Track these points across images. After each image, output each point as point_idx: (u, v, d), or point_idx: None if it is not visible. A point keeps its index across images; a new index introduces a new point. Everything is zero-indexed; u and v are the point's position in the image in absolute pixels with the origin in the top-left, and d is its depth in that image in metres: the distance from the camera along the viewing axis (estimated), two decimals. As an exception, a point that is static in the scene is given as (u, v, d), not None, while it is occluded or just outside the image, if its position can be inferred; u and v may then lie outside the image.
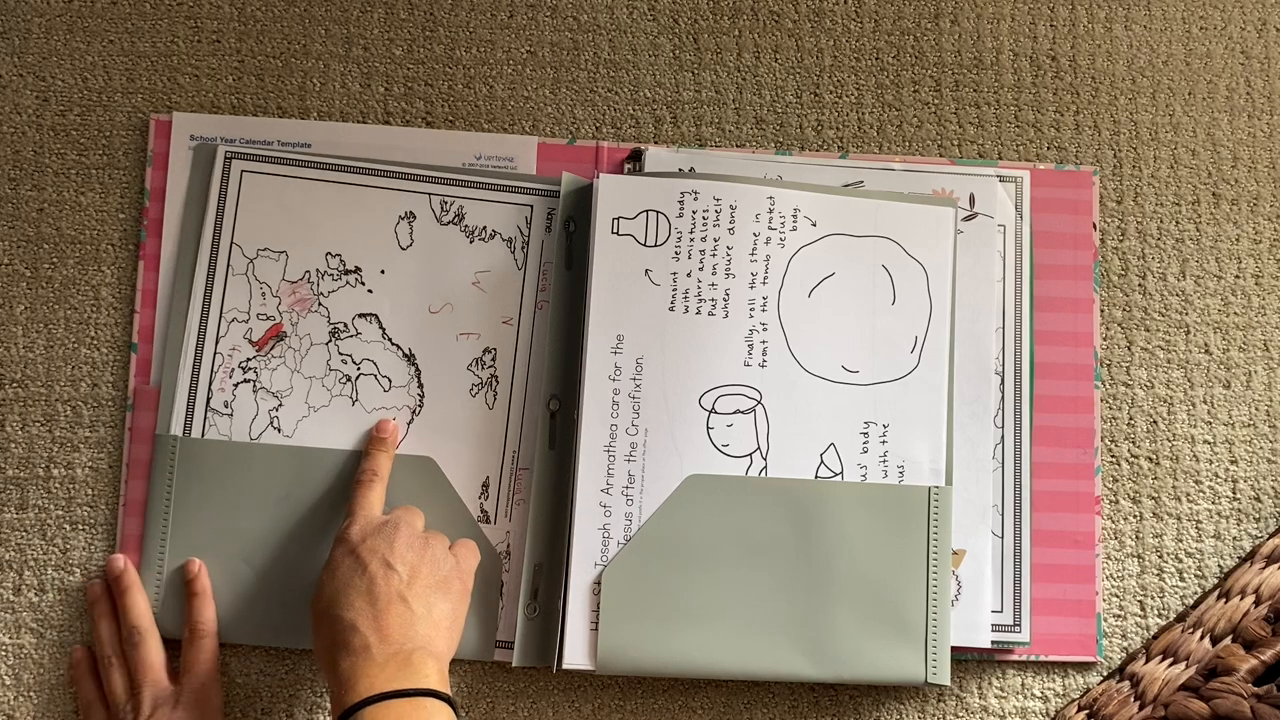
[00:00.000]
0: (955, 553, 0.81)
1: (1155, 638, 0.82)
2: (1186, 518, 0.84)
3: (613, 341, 0.80)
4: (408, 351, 0.82)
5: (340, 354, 0.82)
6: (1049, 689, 0.82)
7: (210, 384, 0.81)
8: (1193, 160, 0.87)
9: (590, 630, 0.77)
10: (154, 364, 0.82)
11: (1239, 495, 0.84)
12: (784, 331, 0.80)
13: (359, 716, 0.67)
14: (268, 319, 0.82)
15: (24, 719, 0.80)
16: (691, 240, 0.80)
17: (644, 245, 0.80)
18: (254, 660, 0.81)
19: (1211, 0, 0.89)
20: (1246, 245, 0.87)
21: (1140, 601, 0.83)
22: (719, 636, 0.77)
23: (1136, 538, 0.84)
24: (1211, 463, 0.84)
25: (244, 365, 0.82)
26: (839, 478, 0.80)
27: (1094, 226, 0.86)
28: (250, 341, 0.82)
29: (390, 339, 0.82)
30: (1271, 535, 0.83)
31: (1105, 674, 0.82)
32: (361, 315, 0.82)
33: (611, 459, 0.79)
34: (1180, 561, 0.84)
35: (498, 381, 0.82)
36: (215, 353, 0.82)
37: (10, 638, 0.80)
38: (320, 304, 0.82)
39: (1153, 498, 0.84)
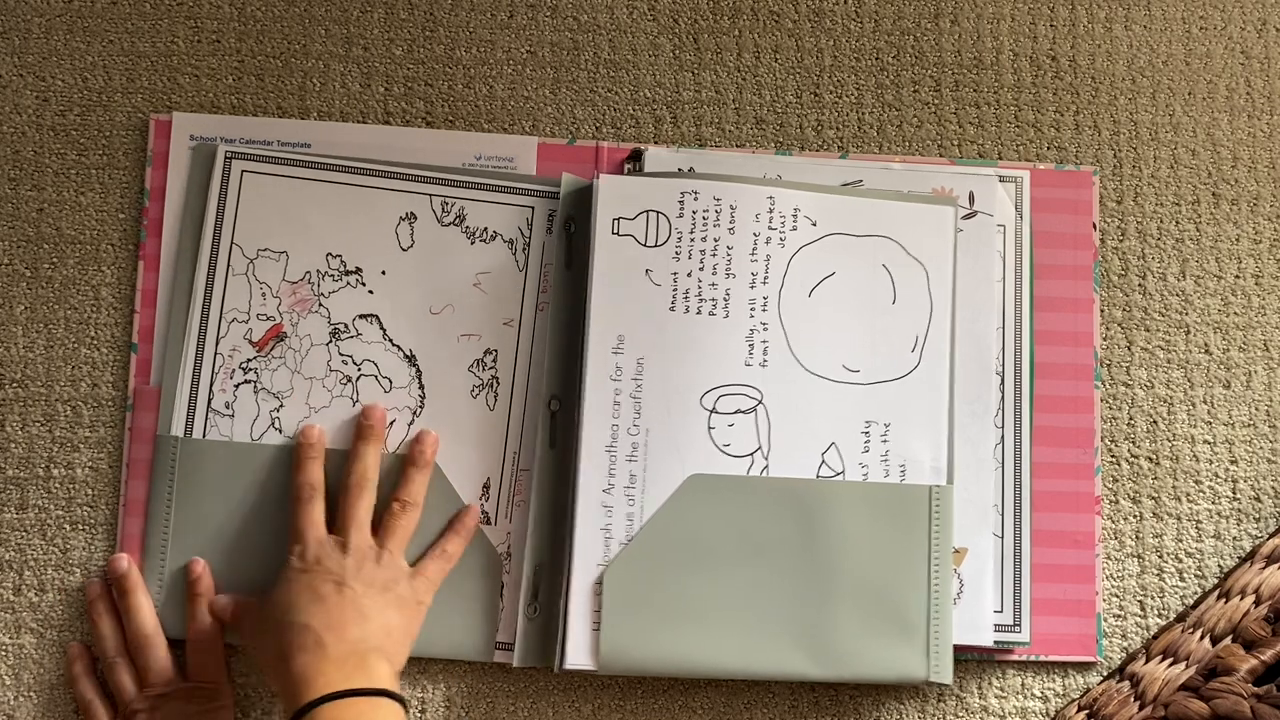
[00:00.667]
0: (956, 551, 0.81)
1: (1155, 638, 0.82)
2: (1186, 518, 0.84)
3: (614, 341, 0.80)
4: (408, 352, 0.82)
5: (341, 355, 0.82)
6: (1049, 689, 0.82)
7: (211, 385, 0.81)
8: (1193, 160, 0.87)
9: (592, 630, 0.77)
10: (154, 365, 0.82)
11: (1239, 495, 0.84)
12: (785, 331, 0.80)
13: (316, 714, 0.67)
14: (268, 319, 0.82)
15: (24, 719, 0.80)
16: (692, 240, 0.80)
17: (644, 245, 0.80)
18: (254, 660, 0.81)
19: (1211, 0, 0.89)
20: (1246, 245, 0.87)
21: (1140, 601, 0.83)
22: (721, 636, 0.77)
23: (1136, 538, 0.84)
24: (1211, 463, 0.85)
25: (244, 366, 0.82)
26: (840, 477, 0.80)
27: (1094, 226, 0.86)
28: (250, 342, 0.82)
29: (391, 340, 0.82)
30: (1271, 535, 0.83)
31: (1105, 674, 0.82)
32: (362, 316, 0.82)
33: (613, 459, 0.79)
34: (1180, 561, 0.84)
35: (498, 383, 0.82)
36: (216, 353, 0.82)
37: (10, 638, 0.80)
38: (321, 304, 0.82)
39: (1153, 498, 0.84)
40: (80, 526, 0.81)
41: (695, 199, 0.81)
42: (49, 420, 0.82)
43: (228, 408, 0.81)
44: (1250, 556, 0.83)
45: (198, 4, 0.86)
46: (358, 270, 0.83)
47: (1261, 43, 0.89)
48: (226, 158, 0.83)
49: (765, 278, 0.81)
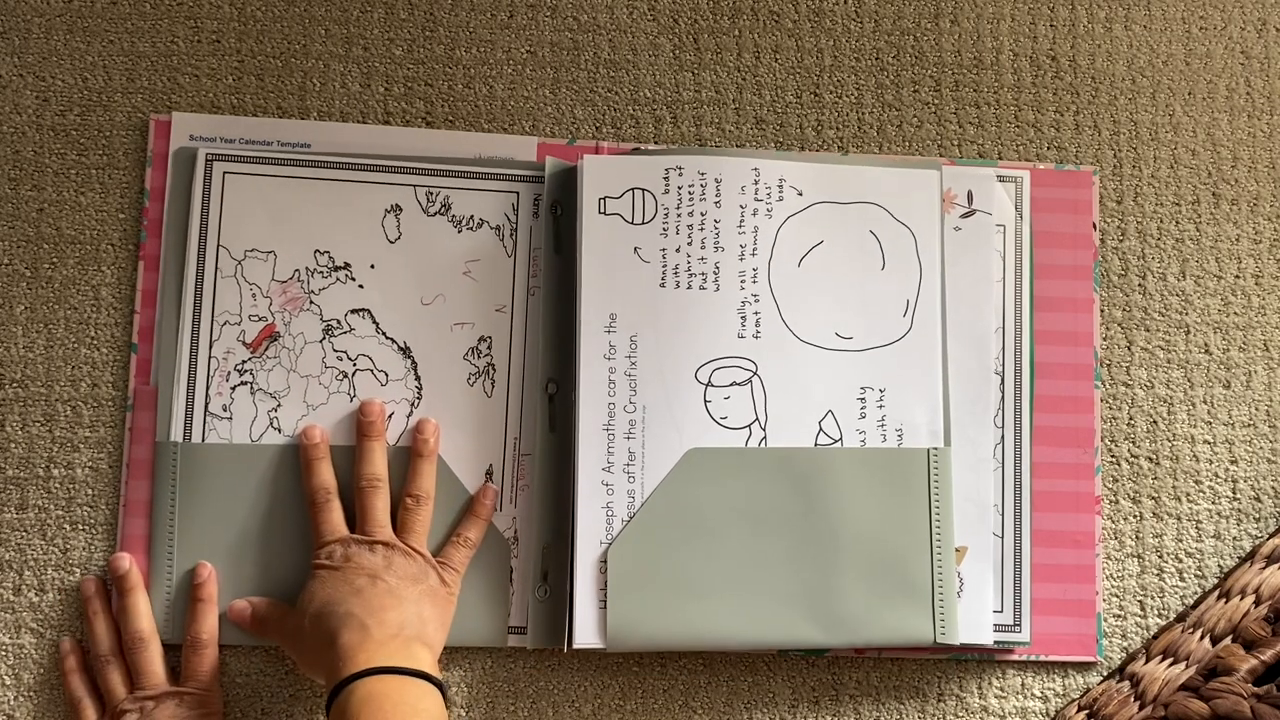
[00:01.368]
0: (957, 550, 0.81)
1: (1155, 638, 0.82)
2: (1186, 518, 0.84)
3: (606, 321, 0.80)
4: (403, 344, 0.82)
5: (335, 351, 0.82)
6: (1049, 689, 0.82)
7: (208, 388, 0.81)
8: (1193, 160, 0.87)
9: (599, 608, 0.78)
10: (152, 369, 0.82)
11: (1239, 495, 0.84)
12: (776, 302, 0.81)
13: (357, 685, 0.68)
14: (260, 320, 0.82)
15: (24, 719, 0.80)
16: (679, 216, 0.81)
17: (631, 223, 0.81)
18: (254, 660, 0.81)
19: (1211, 0, 0.89)
20: (1246, 245, 0.87)
21: (1140, 601, 0.83)
22: (727, 608, 0.78)
23: (1136, 538, 0.84)
24: (1211, 463, 0.84)
25: (240, 368, 0.82)
26: (838, 444, 0.80)
27: (1094, 226, 0.86)
28: (244, 344, 0.82)
29: (384, 333, 0.82)
30: (1271, 535, 0.83)
31: (1105, 674, 0.82)
32: (354, 311, 0.83)
33: (611, 437, 0.79)
34: (1180, 561, 0.84)
35: (495, 369, 0.82)
36: (210, 357, 0.82)
37: (10, 638, 0.80)
38: (312, 302, 0.82)
39: (1153, 498, 0.84)
40: (80, 526, 0.81)
41: (680, 174, 0.81)
42: (49, 420, 0.82)
43: (225, 410, 0.81)
44: (1250, 556, 0.83)
45: (198, 4, 0.86)
46: (347, 265, 0.83)
47: (1261, 43, 0.89)
48: (208, 160, 0.83)
49: (754, 249, 0.81)
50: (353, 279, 0.83)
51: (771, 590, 0.78)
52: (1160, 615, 0.83)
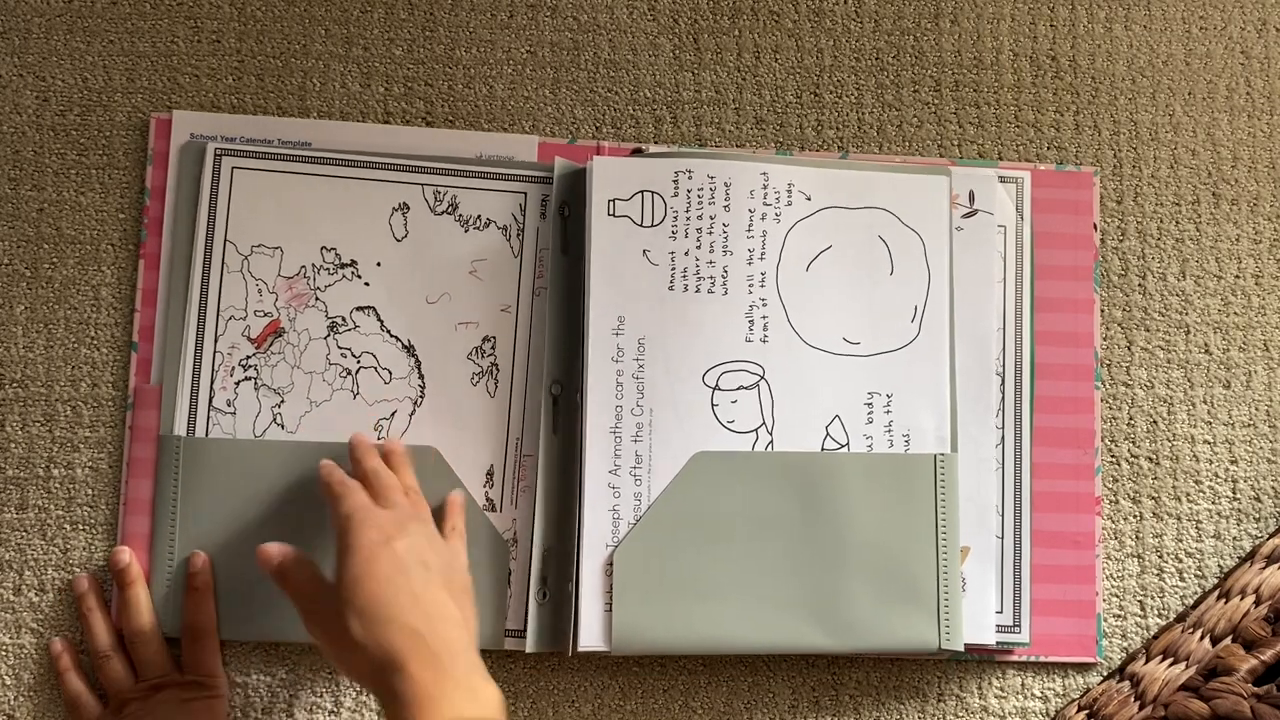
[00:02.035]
0: (961, 550, 0.80)
1: (1155, 638, 0.82)
2: (1186, 518, 0.84)
3: (614, 323, 0.80)
4: (407, 343, 0.82)
5: (340, 348, 0.82)
6: (1049, 689, 0.82)
7: (212, 383, 0.81)
8: (1193, 160, 0.87)
9: (604, 611, 0.77)
10: (154, 364, 0.82)
11: (1239, 495, 0.84)
12: (784, 306, 0.81)
13: None
14: (265, 316, 0.82)
15: (24, 719, 0.80)
16: (688, 219, 0.81)
17: (641, 226, 0.81)
18: (254, 660, 0.81)
19: (1211, 0, 0.89)
20: (1246, 245, 0.87)
21: (1140, 601, 0.83)
22: (733, 612, 0.77)
23: (1136, 538, 0.84)
24: (1211, 463, 0.85)
25: (244, 363, 0.82)
26: (845, 449, 0.80)
27: (1094, 227, 0.86)
28: (249, 339, 0.82)
29: (389, 331, 0.82)
30: (1271, 535, 0.83)
31: (1105, 674, 0.82)
32: (359, 308, 0.83)
33: (618, 440, 0.79)
34: (1180, 561, 0.84)
35: (498, 369, 0.82)
36: (215, 352, 0.82)
37: (10, 638, 0.80)
38: (317, 298, 0.82)
39: (1153, 498, 0.84)
40: (80, 526, 0.81)
41: (689, 178, 0.81)
42: (49, 420, 0.82)
43: (229, 405, 0.81)
44: (1250, 556, 0.83)
45: (198, 4, 0.86)
46: (353, 263, 0.83)
47: (1261, 43, 0.89)
48: (216, 155, 0.83)
49: (762, 253, 0.81)
50: (358, 276, 0.83)
51: (777, 594, 0.78)
52: (1160, 615, 0.83)
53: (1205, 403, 0.85)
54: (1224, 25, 0.89)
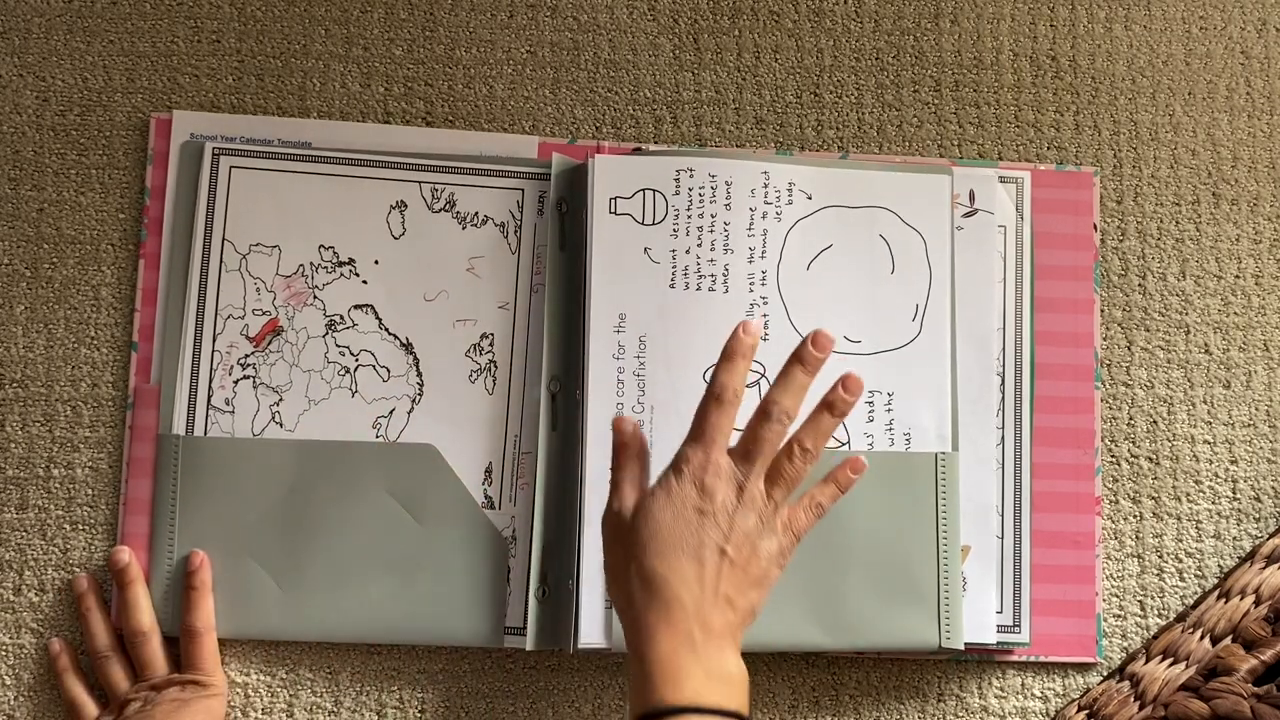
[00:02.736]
0: (961, 549, 0.80)
1: (1155, 638, 0.82)
2: (1186, 518, 0.84)
3: (615, 321, 0.80)
4: (405, 340, 0.82)
5: (338, 346, 0.82)
6: (1049, 689, 0.82)
7: (210, 382, 0.81)
8: (1193, 160, 0.87)
9: (605, 609, 0.78)
10: (154, 364, 0.82)
11: (1239, 495, 0.84)
12: (785, 304, 0.81)
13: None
14: (264, 314, 0.82)
15: (24, 719, 0.80)
16: (689, 217, 0.81)
17: (642, 224, 0.81)
18: (254, 660, 0.81)
19: (1211, 0, 0.89)
20: (1246, 245, 0.87)
21: (1140, 601, 0.83)
22: None
23: (1136, 538, 0.84)
24: (1211, 463, 0.84)
25: (243, 362, 0.82)
26: (846, 447, 0.80)
27: (1094, 227, 0.86)
28: (247, 338, 0.82)
29: (387, 329, 0.83)
30: (1271, 535, 0.83)
31: (1105, 674, 0.82)
32: (357, 306, 0.83)
33: None
34: (1180, 561, 0.84)
35: (496, 366, 0.82)
36: (214, 350, 0.82)
37: (10, 638, 0.80)
38: (316, 297, 0.83)
39: (1153, 498, 0.84)
40: (80, 526, 0.81)
41: (691, 176, 0.81)
42: (49, 420, 0.82)
43: (228, 404, 0.81)
44: (1250, 556, 0.83)
45: (198, 4, 0.86)
46: (351, 261, 0.83)
47: (1261, 43, 0.89)
48: (214, 154, 0.83)
49: (763, 252, 0.81)
50: (356, 274, 0.83)
51: (777, 592, 0.78)
52: (1160, 615, 0.83)
53: (1205, 403, 0.85)
54: (1224, 25, 0.89)
